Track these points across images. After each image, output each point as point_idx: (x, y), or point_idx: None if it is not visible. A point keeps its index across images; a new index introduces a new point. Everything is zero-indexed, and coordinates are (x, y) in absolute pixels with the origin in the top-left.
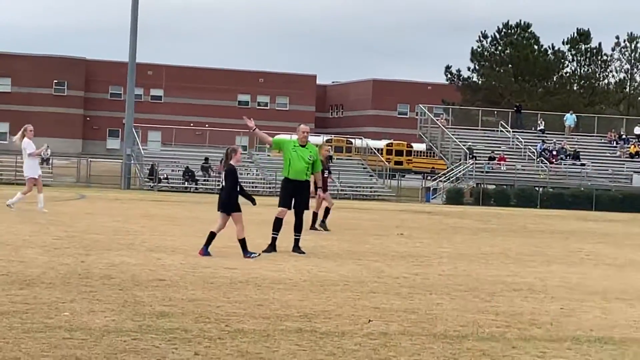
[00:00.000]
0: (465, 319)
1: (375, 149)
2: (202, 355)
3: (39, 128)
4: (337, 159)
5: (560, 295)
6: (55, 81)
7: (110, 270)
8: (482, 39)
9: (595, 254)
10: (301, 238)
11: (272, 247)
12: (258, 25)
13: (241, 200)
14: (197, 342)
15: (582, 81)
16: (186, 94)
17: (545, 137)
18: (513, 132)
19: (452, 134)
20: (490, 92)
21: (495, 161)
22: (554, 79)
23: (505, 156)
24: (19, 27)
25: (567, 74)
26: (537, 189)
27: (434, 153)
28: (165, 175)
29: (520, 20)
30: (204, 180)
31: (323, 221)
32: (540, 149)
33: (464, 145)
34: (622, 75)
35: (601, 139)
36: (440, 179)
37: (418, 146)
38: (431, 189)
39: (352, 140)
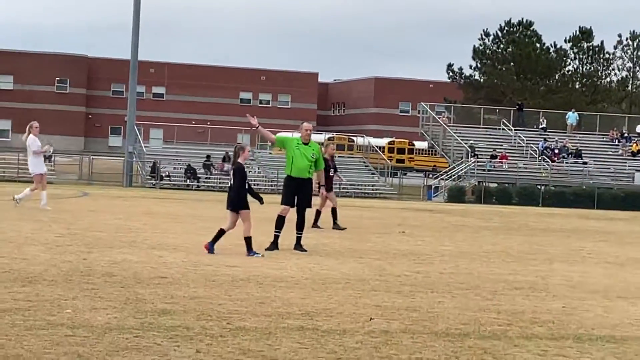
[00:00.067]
0: (466, 317)
1: (377, 146)
2: (204, 353)
3: (41, 126)
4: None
5: (561, 293)
6: (58, 79)
7: (112, 268)
8: (484, 37)
9: (597, 253)
10: (303, 236)
11: (274, 245)
12: (260, 23)
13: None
14: (198, 339)
15: (584, 79)
16: (188, 92)
17: (547, 135)
18: (515, 130)
19: (454, 132)
20: (492, 90)
21: (497, 159)
22: (556, 77)
23: (507, 154)
24: (22, 25)
25: (569, 72)
26: (539, 187)
27: (435, 151)
28: (167, 173)
29: (522, 19)
30: (206, 178)
31: (335, 223)
32: (542, 147)
33: (465, 143)
34: (624, 73)
35: (603, 138)
36: (442, 177)
37: (420, 144)
38: (433, 187)
39: (354, 138)
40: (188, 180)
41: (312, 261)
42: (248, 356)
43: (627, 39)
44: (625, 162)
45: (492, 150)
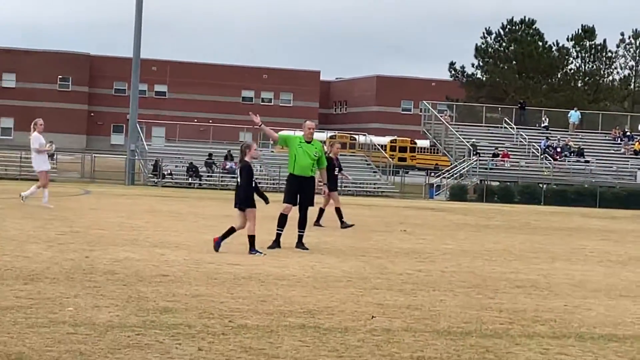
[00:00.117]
0: (468, 315)
1: (379, 145)
2: (206, 351)
3: (44, 124)
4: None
5: (563, 292)
6: (60, 77)
7: (114, 266)
8: (486, 35)
9: (599, 251)
10: (305, 234)
11: (276, 243)
12: (262, 21)
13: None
14: (200, 337)
15: (587, 78)
16: (190, 90)
17: (549, 133)
18: (517, 128)
19: (456, 131)
20: (494, 88)
21: (499, 158)
22: (559, 76)
23: (509, 153)
24: (24, 23)
25: (572, 71)
26: (540, 185)
27: (437, 149)
28: (169, 171)
29: (524, 17)
30: (208, 176)
31: (343, 222)
32: (544, 145)
33: (467, 141)
34: (626, 72)
35: (605, 136)
36: (444, 175)
37: (422, 142)
38: (435, 185)
39: (356, 137)
40: (190, 179)
41: (313, 259)
42: (250, 354)
43: (629, 38)
44: (628, 161)
45: (494, 148)
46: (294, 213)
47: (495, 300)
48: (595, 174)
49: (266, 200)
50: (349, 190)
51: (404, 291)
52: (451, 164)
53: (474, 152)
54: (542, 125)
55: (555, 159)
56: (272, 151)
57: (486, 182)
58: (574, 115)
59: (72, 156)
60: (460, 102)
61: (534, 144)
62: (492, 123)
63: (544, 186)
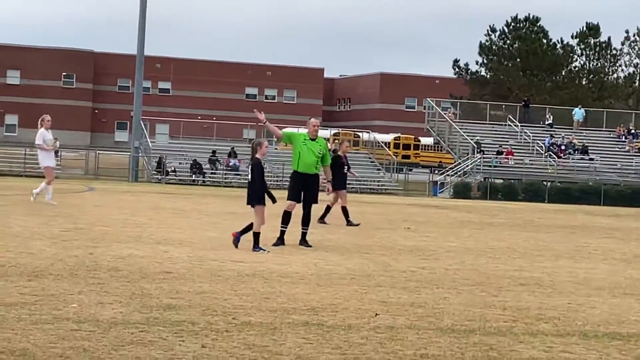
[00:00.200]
0: (472, 313)
1: (382, 142)
2: (209, 348)
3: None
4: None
5: (567, 290)
6: (64, 74)
7: (118, 263)
8: (490, 32)
9: (603, 249)
10: (308, 232)
11: (280, 241)
12: (266, 18)
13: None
14: (204, 334)
15: (591, 75)
16: (194, 87)
17: (554, 131)
18: (521, 126)
19: (460, 128)
20: (498, 86)
21: (503, 155)
22: (563, 73)
23: (513, 150)
24: (28, 20)
25: (576, 68)
26: (545, 183)
27: (441, 147)
28: (172, 168)
29: (529, 14)
30: (212, 173)
31: (348, 221)
32: (549, 143)
33: (471, 139)
34: (631, 69)
35: (610, 134)
36: (448, 173)
37: (425, 140)
38: (438, 183)
39: (360, 134)
40: (194, 176)
41: (317, 257)
42: (253, 351)
43: (634, 35)
44: (632, 159)
45: (498, 146)
46: (298, 210)
47: (499, 298)
48: (599, 171)
49: (273, 200)
50: (353, 188)
51: (407, 289)
52: (455, 162)
53: (478, 150)
54: (547, 122)
55: (559, 157)
56: (276, 148)
57: (490, 180)
58: (578, 113)
59: (76, 153)
60: (464, 100)
61: (538, 141)
62: (496, 120)
63: (548, 184)
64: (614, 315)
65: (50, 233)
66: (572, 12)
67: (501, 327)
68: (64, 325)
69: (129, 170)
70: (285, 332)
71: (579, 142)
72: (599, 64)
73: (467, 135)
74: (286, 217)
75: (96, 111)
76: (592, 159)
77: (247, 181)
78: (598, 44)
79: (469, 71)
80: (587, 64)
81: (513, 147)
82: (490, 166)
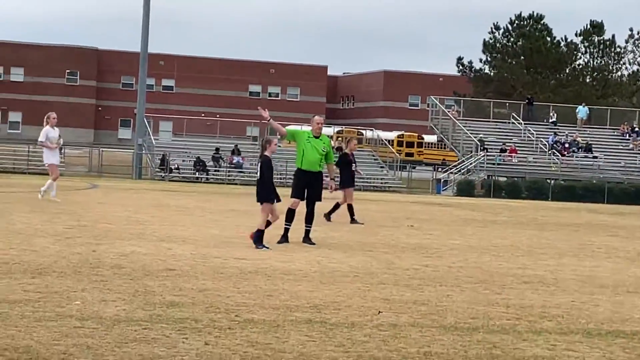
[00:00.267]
0: (475, 311)
1: (386, 140)
2: (212, 345)
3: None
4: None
5: (571, 288)
6: (68, 71)
7: (121, 260)
8: (494, 30)
9: (607, 247)
10: (312, 229)
11: (284, 238)
12: (270, 16)
13: None
14: (207, 332)
15: (595, 73)
16: (197, 85)
17: (557, 129)
18: (525, 124)
19: (464, 126)
20: (502, 83)
21: (507, 153)
22: (567, 71)
23: (517, 148)
24: (31, 17)
25: (580, 66)
26: (548, 181)
27: (445, 145)
28: (176, 166)
29: (532, 12)
30: (215, 171)
31: (353, 219)
32: (552, 141)
33: (475, 137)
34: (635, 67)
35: (614, 132)
36: (451, 170)
37: (429, 138)
38: (442, 180)
39: (363, 132)
40: (197, 173)
41: (320, 254)
42: (256, 348)
43: (638, 33)
44: (636, 157)
45: (501, 144)
46: (302, 208)
47: (502, 296)
48: (603, 169)
49: (278, 199)
50: (356, 186)
51: (410, 286)
52: (458, 159)
53: (482, 148)
54: (550, 120)
55: (563, 155)
56: (280, 145)
57: (494, 178)
58: (582, 111)
59: (79, 150)
60: (467, 98)
61: (541, 139)
62: (499, 118)
63: (552, 182)
64: (618, 313)
65: (53, 230)
66: (576, 10)
67: (504, 325)
68: (67, 322)
69: (132, 168)
70: (288, 330)
71: (582, 140)
72: (603, 61)
73: (471, 133)
74: (290, 215)
75: (100, 108)
76: (595, 157)
77: (253, 178)
78: (602, 41)
79: (473, 69)
80: (591, 61)
81: (517, 144)
82: (493, 164)
